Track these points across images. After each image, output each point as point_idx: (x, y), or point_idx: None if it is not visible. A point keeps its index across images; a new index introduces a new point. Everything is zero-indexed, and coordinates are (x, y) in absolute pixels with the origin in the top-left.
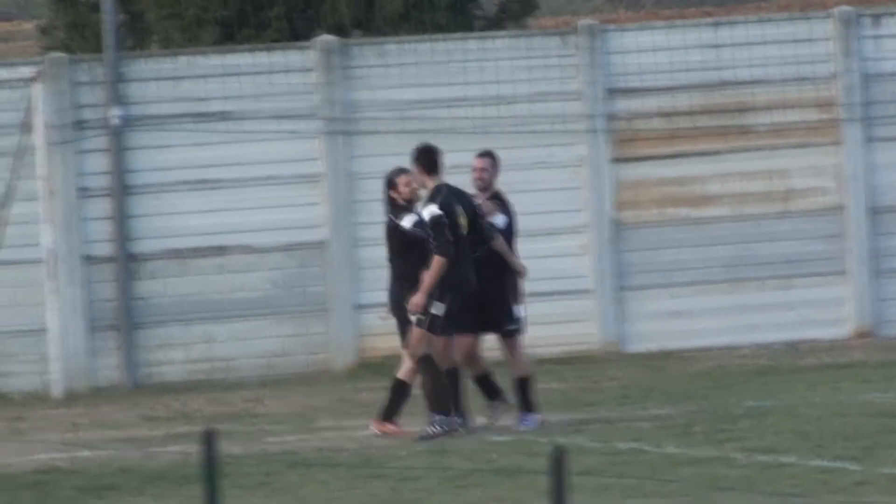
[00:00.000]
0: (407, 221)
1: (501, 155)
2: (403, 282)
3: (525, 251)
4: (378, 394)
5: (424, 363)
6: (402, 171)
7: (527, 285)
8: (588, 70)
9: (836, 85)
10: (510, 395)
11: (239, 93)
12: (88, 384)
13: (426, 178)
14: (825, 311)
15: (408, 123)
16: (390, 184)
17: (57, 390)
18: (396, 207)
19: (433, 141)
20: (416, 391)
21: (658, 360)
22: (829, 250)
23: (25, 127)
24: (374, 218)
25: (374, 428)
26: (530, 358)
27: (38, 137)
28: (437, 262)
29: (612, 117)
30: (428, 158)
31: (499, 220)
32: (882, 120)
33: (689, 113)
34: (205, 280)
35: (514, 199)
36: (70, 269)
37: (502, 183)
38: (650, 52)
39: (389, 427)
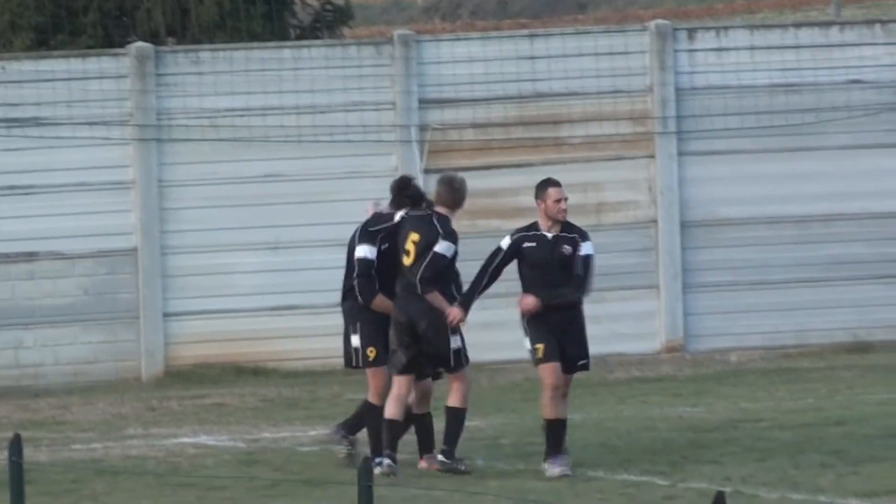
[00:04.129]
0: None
1: (315, 164)
2: None
3: (327, 262)
4: (185, 402)
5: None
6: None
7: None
8: (402, 80)
9: (651, 98)
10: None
11: (52, 98)
12: None
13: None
14: (635, 325)
15: (221, 132)
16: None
17: None
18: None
19: (247, 150)
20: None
21: None
22: (641, 264)
23: None
24: (184, 226)
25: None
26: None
27: None
28: None
29: (425, 128)
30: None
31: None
32: (695, 134)
33: (504, 124)
34: (14, 286)
35: (325, 209)
36: None
37: (314, 192)
38: (465, 62)
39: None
